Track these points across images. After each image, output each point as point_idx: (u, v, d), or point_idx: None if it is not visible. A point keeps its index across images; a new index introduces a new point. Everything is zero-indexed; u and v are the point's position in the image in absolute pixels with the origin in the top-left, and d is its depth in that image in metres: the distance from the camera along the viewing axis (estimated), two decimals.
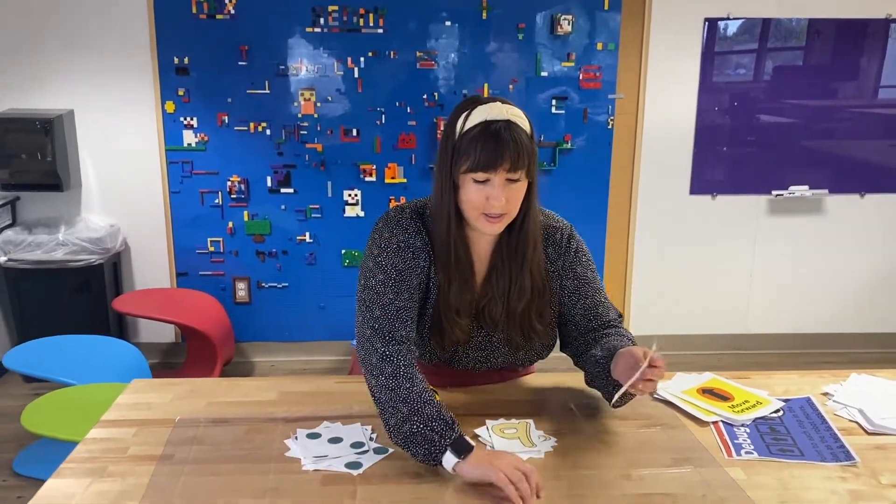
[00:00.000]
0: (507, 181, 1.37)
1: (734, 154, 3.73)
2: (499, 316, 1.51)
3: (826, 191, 3.74)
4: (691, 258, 3.83)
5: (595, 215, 3.75)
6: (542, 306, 1.52)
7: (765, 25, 3.59)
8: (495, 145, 1.34)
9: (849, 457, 1.33)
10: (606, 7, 3.50)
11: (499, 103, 1.39)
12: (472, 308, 1.51)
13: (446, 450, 1.26)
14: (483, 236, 1.48)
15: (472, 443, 1.28)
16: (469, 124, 1.38)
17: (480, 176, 1.36)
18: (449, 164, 1.40)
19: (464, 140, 1.37)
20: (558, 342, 1.61)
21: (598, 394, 1.48)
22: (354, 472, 1.29)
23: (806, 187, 3.73)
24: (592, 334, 1.52)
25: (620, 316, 1.56)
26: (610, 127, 3.65)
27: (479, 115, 1.37)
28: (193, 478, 1.27)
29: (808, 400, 1.55)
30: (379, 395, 1.38)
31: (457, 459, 1.25)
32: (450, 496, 1.22)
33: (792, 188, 3.73)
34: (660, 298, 3.87)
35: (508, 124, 1.36)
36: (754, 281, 3.87)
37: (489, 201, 1.37)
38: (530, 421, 1.46)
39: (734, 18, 3.56)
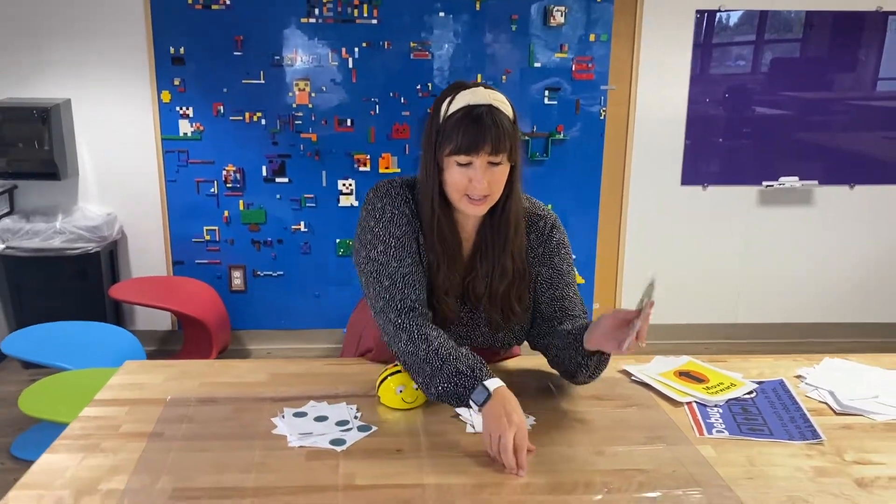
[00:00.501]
0: (489, 164, 1.41)
1: (725, 145, 3.76)
2: (482, 294, 1.55)
3: (816, 182, 3.78)
4: (682, 248, 3.87)
5: (587, 205, 3.78)
6: (521, 289, 1.56)
7: (757, 17, 3.62)
8: (477, 129, 1.39)
9: (815, 435, 1.38)
10: None
11: (482, 88, 1.44)
12: (460, 288, 1.56)
13: (470, 399, 1.35)
14: (469, 218, 1.53)
15: (491, 389, 1.33)
16: (452, 108, 1.43)
17: (463, 159, 1.41)
18: (433, 147, 1.45)
19: (447, 124, 1.42)
20: None
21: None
22: (338, 449, 1.33)
23: (796, 178, 3.77)
24: (553, 323, 1.55)
25: (585, 313, 1.59)
26: (602, 118, 3.68)
27: (462, 99, 1.42)
28: (182, 454, 1.31)
29: (781, 382, 1.60)
30: (403, 359, 1.45)
31: (479, 408, 1.34)
32: (429, 472, 1.27)
33: (782, 179, 3.76)
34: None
35: (490, 109, 1.40)
36: (744, 271, 3.91)
37: (471, 183, 1.42)
38: None
39: (725, 10, 3.59)
